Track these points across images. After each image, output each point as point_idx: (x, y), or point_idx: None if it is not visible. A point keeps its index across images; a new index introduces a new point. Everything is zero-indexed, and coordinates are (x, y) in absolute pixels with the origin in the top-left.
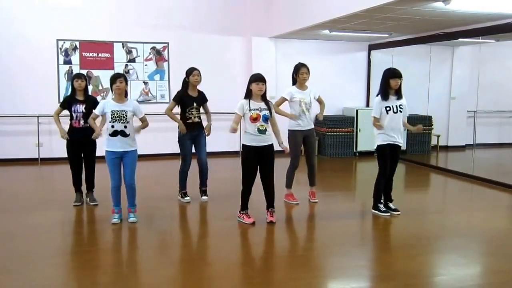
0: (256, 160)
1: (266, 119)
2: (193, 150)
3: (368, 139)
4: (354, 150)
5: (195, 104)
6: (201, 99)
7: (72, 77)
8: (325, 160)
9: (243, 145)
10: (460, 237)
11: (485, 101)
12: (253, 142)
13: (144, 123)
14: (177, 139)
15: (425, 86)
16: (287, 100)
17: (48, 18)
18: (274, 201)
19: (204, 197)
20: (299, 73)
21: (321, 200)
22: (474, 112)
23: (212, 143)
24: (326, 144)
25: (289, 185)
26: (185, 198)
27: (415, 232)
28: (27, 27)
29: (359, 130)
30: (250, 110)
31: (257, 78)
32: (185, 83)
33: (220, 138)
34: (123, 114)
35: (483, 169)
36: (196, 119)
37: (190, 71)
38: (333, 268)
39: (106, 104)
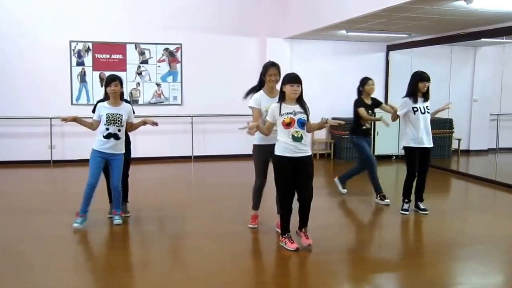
0: (291, 172)
1: (301, 124)
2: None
3: (386, 142)
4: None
5: (369, 111)
6: (375, 105)
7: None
8: (342, 164)
9: (274, 155)
10: (482, 245)
11: (509, 103)
12: (286, 152)
13: (137, 123)
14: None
15: (446, 88)
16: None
17: (60, 19)
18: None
19: None
20: (267, 74)
21: (338, 206)
22: (497, 115)
23: (225, 146)
24: (343, 147)
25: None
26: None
27: (436, 239)
28: (40, 28)
29: (377, 133)
30: (281, 114)
31: (291, 79)
32: (359, 92)
33: (232, 141)
34: (118, 118)
35: (506, 174)
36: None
37: (365, 81)
38: (350, 275)
39: (101, 108)
